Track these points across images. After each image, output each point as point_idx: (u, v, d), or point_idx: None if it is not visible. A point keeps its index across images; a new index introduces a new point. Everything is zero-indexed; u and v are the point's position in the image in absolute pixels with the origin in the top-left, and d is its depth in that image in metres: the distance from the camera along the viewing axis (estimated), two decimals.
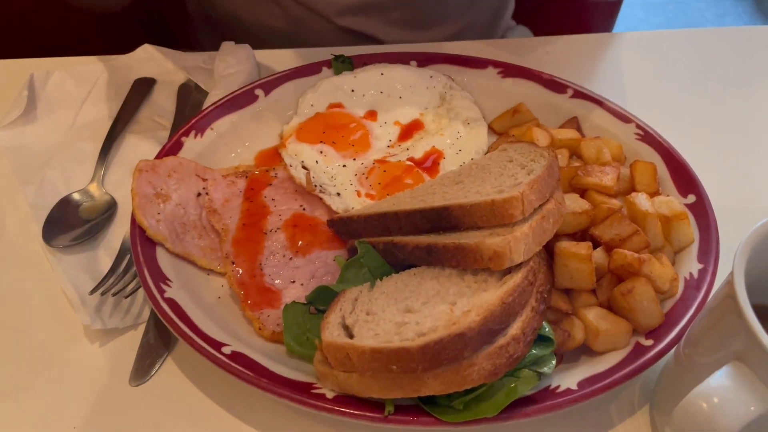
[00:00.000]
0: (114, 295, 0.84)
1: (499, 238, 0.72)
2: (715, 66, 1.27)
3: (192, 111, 1.10)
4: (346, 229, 0.87)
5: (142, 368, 0.80)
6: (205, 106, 1.05)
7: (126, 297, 0.85)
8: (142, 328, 0.84)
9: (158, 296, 0.79)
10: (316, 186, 0.93)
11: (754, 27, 1.40)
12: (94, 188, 0.99)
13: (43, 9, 1.42)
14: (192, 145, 0.98)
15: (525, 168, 0.82)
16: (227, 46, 1.16)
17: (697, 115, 1.17)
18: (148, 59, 1.19)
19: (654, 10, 4.18)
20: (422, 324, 0.68)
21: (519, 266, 0.73)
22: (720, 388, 0.58)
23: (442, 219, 0.79)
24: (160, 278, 0.82)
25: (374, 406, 0.70)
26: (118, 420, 0.77)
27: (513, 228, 0.74)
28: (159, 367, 0.81)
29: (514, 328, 0.69)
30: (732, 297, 0.60)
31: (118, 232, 0.95)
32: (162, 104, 1.13)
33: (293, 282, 0.85)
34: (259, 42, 1.23)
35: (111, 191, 0.99)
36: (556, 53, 1.25)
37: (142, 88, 1.14)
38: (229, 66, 1.12)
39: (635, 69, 1.25)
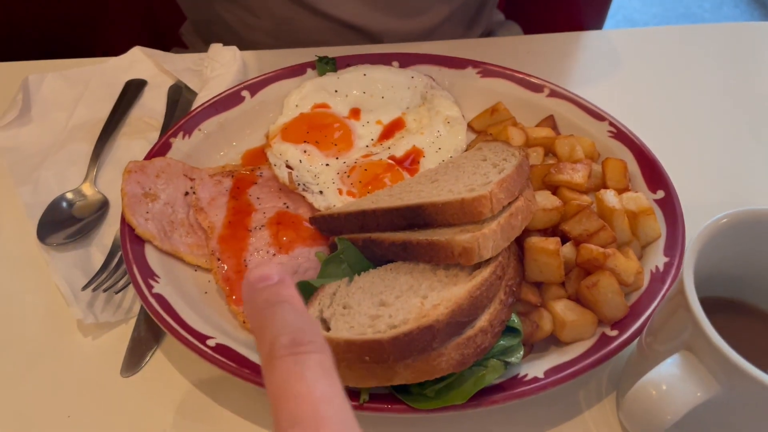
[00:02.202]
0: (105, 291, 0.88)
1: (468, 235, 0.75)
2: (690, 64, 1.30)
3: (182, 112, 1.13)
4: (327, 227, 0.91)
5: (133, 360, 0.84)
6: (193, 106, 1.08)
7: (117, 293, 0.89)
8: (132, 323, 0.88)
9: (146, 292, 0.83)
10: (299, 185, 0.96)
11: (732, 24, 1.43)
12: (86, 188, 1.03)
13: (38, 13, 1.45)
14: (180, 145, 1.01)
15: (497, 167, 0.86)
16: (215, 48, 1.20)
17: (672, 112, 1.20)
18: (139, 61, 1.22)
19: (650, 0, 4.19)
20: (395, 317, 0.72)
21: (488, 261, 0.77)
22: (669, 376, 0.62)
23: (416, 216, 0.82)
24: (149, 275, 0.85)
25: (350, 394, 0.74)
26: (110, 409, 0.81)
27: (482, 225, 0.77)
28: (149, 360, 0.85)
29: (482, 320, 0.73)
30: (682, 292, 0.63)
31: (110, 230, 0.98)
32: (152, 105, 1.16)
33: None
34: (246, 41, 1.26)
35: (103, 191, 1.03)
36: (537, 52, 1.28)
37: (133, 89, 1.18)
38: (216, 68, 1.15)
39: (614, 67, 1.28)
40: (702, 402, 0.60)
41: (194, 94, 1.16)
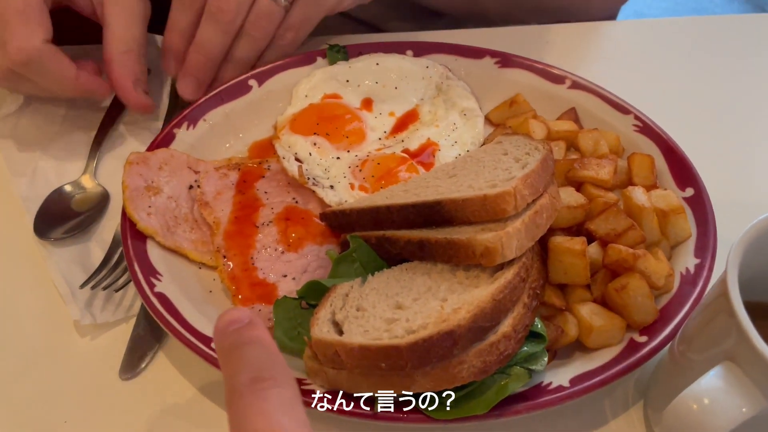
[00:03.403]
0: (105, 289, 0.84)
1: (490, 234, 0.71)
2: (720, 56, 1.25)
3: (185, 102, 1.08)
4: (338, 223, 0.87)
5: (132, 361, 0.80)
6: None
7: (117, 291, 0.84)
8: (132, 322, 0.84)
9: (148, 291, 0.79)
10: (308, 179, 0.92)
11: (758, 15, 1.37)
12: (86, 180, 0.98)
13: None
14: (184, 136, 0.97)
15: (519, 161, 0.81)
16: None
17: (699, 106, 1.15)
18: None
19: None
20: (412, 321, 0.67)
21: (511, 262, 0.72)
22: (711, 389, 0.57)
23: (434, 213, 0.78)
24: (151, 272, 0.81)
25: (364, 402, 0.69)
26: (109, 413, 0.77)
27: (505, 223, 0.73)
28: (149, 361, 0.81)
29: (505, 325, 0.69)
30: (724, 296, 0.59)
31: (111, 224, 0.94)
32: (155, 94, 1.11)
33: (285, 276, 0.84)
34: None
35: (104, 183, 0.99)
36: (556, 42, 1.23)
37: None
38: None
39: (636, 58, 1.23)
40: (748, 418, 0.55)
41: None
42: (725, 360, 0.59)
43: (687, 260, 0.82)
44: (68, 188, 0.97)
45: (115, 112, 1.07)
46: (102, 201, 0.96)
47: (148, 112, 1.02)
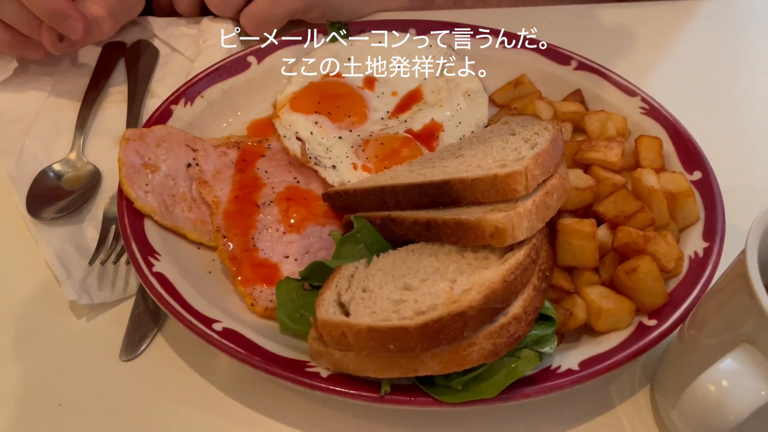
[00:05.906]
0: (114, 262, 0.82)
1: (501, 214, 0.69)
2: (727, 39, 1.24)
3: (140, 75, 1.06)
4: (341, 203, 0.85)
5: (133, 342, 0.78)
6: (190, 76, 1.00)
7: (127, 263, 0.82)
8: (130, 302, 0.81)
9: (146, 270, 0.76)
10: (310, 158, 0.90)
11: None
12: (74, 157, 0.95)
13: None
14: (181, 113, 0.94)
15: (528, 142, 0.80)
16: (207, 21, 1.12)
17: (705, 89, 1.14)
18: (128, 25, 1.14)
19: None
20: (421, 302, 0.66)
21: (521, 243, 0.71)
22: (730, 371, 0.56)
23: (442, 194, 0.76)
24: (149, 251, 0.79)
25: (370, 385, 0.68)
26: (106, 395, 0.75)
27: (515, 204, 0.71)
28: (150, 342, 0.78)
29: (516, 307, 0.67)
30: (743, 276, 0.58)
31: (105, 203, 0.91)
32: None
33: (287, 257, 0.82)
34: None
35: (95, 161, 0.95)
36: (560, 23, 1.21)
37: (113, 53, 1.10)
38: (209, 38, 1.08)
39: (641, 40, 1.21)
40: None
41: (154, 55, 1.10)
42: (743, 343, 0.58)
43: (695, 244, 0.81)
44: (58, 167, 0.94)
45: (96, 88, 1.04)
46: (93, 179, 0.93)
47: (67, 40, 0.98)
